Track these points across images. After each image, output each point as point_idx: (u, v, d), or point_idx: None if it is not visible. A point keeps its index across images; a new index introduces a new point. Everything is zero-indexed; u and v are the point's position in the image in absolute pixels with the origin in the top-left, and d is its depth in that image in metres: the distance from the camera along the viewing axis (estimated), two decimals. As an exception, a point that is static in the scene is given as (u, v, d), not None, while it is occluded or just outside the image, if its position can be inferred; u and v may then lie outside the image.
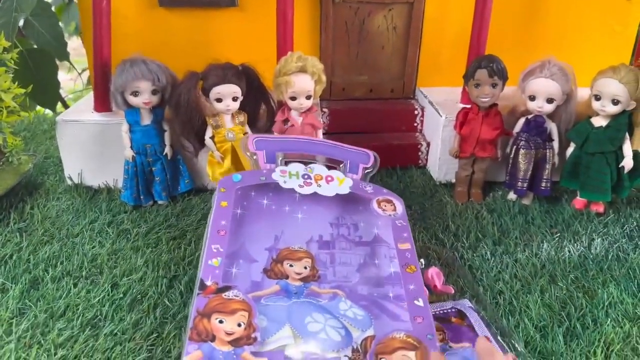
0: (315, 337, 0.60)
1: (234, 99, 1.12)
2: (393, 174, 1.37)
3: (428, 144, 1.39)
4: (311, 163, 0.83)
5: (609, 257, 1.02)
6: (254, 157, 0.82)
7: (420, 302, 0.65)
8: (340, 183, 0.80)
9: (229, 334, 0.57)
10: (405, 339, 0.59)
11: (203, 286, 0.62)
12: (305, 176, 0.80)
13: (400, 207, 0.80)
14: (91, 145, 1.24)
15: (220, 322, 0.58)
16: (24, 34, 1.74)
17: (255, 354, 0.57)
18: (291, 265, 0.69)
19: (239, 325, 0.58)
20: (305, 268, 0.69)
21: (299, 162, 0.82)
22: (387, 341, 0.59)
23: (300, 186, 0.78)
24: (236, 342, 0.57)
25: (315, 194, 0.78)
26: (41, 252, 1.01)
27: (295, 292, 0.66)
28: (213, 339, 0.57)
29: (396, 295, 0.66)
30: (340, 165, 0.85)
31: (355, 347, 0.59)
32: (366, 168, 0.84)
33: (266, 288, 0.66)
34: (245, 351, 0.56)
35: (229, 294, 0.62)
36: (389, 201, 0.80)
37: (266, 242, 0.72)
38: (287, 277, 0.68)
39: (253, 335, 0.58)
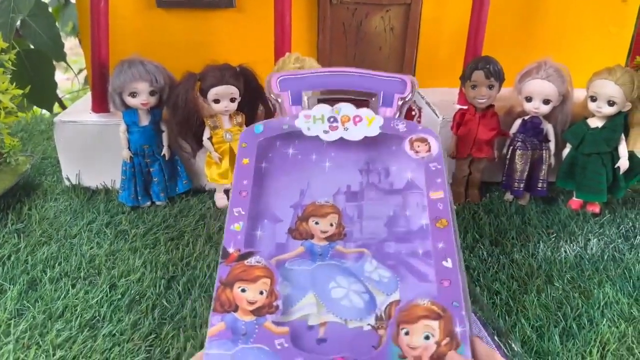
0: (338, 304, 0.58)
1: (232, 100, 1.12)
2: (390, 175, 1.38)
3: (425, 145, 1.39)
4: (339, 102, 0.73)
5: (605, 258, 1.03)
6: (279, 99, 0.74)
7: (449, 263, 0.58)
8: (370, 123, 0.71)
9: (251, 303, 0.56)
10: (430, 306, 0.55)
11: (225, 254, 0.59)
12: (332, 119, 0.71)
13: (436, 146, 0.69)
14: (89, 146, 1.24)
15: (243, 290, 0.56)
16: (20, 35, 1.73)
17: (277, 323, 0.55)
18: (317, 223, 0.65)
19: (261, 293, 0.56)
20: (332, 225, 0.65)
21: (326, 102, 0.73)
22: (410, 308, 0.55)
23: (326, 132, 0.70)
24: (258, 312, 0.55)
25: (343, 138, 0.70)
26: (39, 253, 1.01)
27: (320, 254, 0.63)
28: (236, 309, 0.55)
29: (426, 251, 0.61)
30: (373, 99, 0.75)
31: (379, 314, 0.57)
32: (402, 98, 0.73)
33: (291, 250, 0.63)
34: (267, 320, 0.54)
35: (251, 260, 0.59)
36: (424, 140, 0.70)
37: (291, 198, 0.67)
38: (312, 236, 0.64)
39: (275, 304, 0.56)
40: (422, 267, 0.60)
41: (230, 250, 0.60)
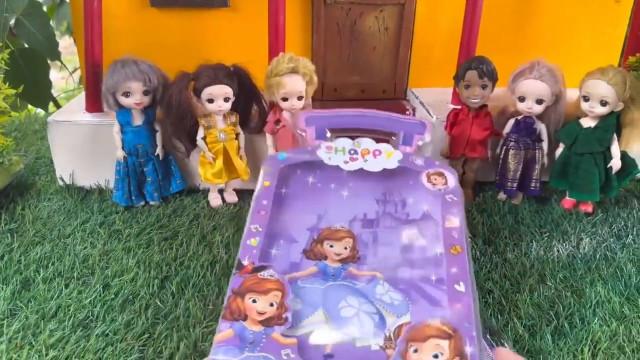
0: (347, 323, 0.58)
1: (226, 100, 1.12)
2: (384, 174, 1.38)
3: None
4: (360, 137, 0.78)
5: (597, 257, 1.04)
6: (303, 134, 0.78)
7: (461, 287, 0.60)
8: (389, 157, 0.75)
9: (260, 314, 0.57)
10: (440, 326, 0.55)
11: (240, 266, 0.61)
12: (352, 151, 0.75)
13: (452, 180, 0.73)
14: (83, 146, 1.24)
15: (254, 301, 0.57)
16: (14, 34, 1.73)
17: (285, 336, 0.55)
18: (331, 246, 0.67)
19: (271, 305, 0.57)
20: (346, 248, 0.66)
21: (347, 136, 0.78)
22: (421, 327, 0.55)
23: (346, 162, 0.74)
24: (267, 322, 0.56)
25: (363, 169, 0.74)
26: (32, 253, 1.01)
27: (332, 274, 0.64)
28: (245, 318, 0.56)
29: (439, 278, 0.62)
30: (393, 138, 0.79)
31: (388, 335, 0.57)
32: (421, 139, 0.78)
33: (304, 269, 0.64)
34: (275, 331, 0.55)
35: (264, 273, 0.60)
36: (440, 174, 0.74)
37: (308, 221, 0.70)
38: (326, 257, 0.66)
39: (284, 316, 0.57)
40: (435, 293, 0.61)
41: (245, 262, 0.61)
